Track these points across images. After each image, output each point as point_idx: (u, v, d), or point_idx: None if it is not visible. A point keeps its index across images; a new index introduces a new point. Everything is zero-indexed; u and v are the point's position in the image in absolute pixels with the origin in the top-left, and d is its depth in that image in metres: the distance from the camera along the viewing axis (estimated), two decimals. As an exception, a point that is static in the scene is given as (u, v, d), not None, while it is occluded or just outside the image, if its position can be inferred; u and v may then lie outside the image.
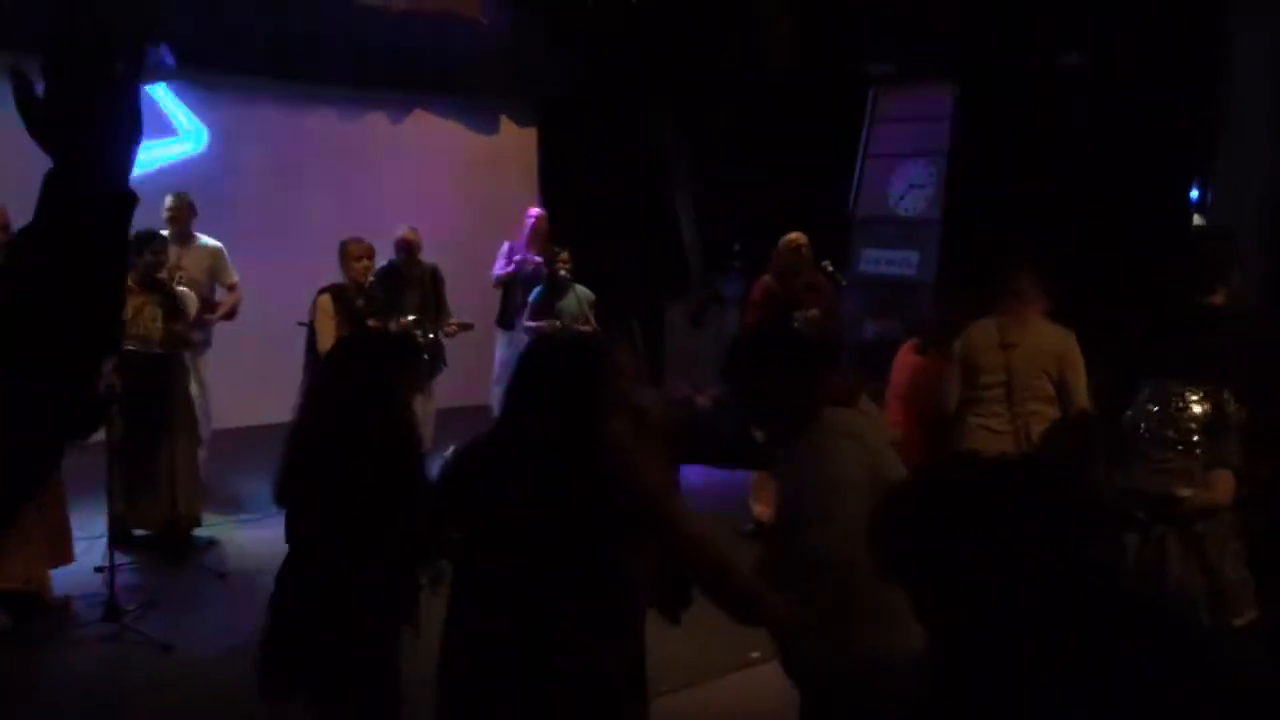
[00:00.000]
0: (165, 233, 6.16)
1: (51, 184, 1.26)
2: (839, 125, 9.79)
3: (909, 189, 9.78)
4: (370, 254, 6.15)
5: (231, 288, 6.63)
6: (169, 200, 6.40)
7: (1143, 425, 3.51)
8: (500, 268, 7.83)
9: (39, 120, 1.25)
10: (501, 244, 8.02)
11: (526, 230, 7.94)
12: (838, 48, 9.19)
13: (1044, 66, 7.28)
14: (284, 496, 3.15)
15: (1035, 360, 4.39)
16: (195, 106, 8.33)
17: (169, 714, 4.05)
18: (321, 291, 6.02)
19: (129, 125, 1.29)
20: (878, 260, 9.99)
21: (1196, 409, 3.43)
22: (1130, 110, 6.77)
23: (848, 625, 2.50)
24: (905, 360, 5.21)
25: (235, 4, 7.98)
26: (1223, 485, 3.40)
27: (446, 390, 7.20)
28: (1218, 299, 4.07)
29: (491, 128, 10.02)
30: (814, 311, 5.98)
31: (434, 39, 8.98)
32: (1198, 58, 6.33)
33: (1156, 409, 3.48)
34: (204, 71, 8.11)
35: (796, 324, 5.94)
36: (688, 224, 10.56)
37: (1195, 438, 3.41)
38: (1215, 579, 3.41)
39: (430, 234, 8.46)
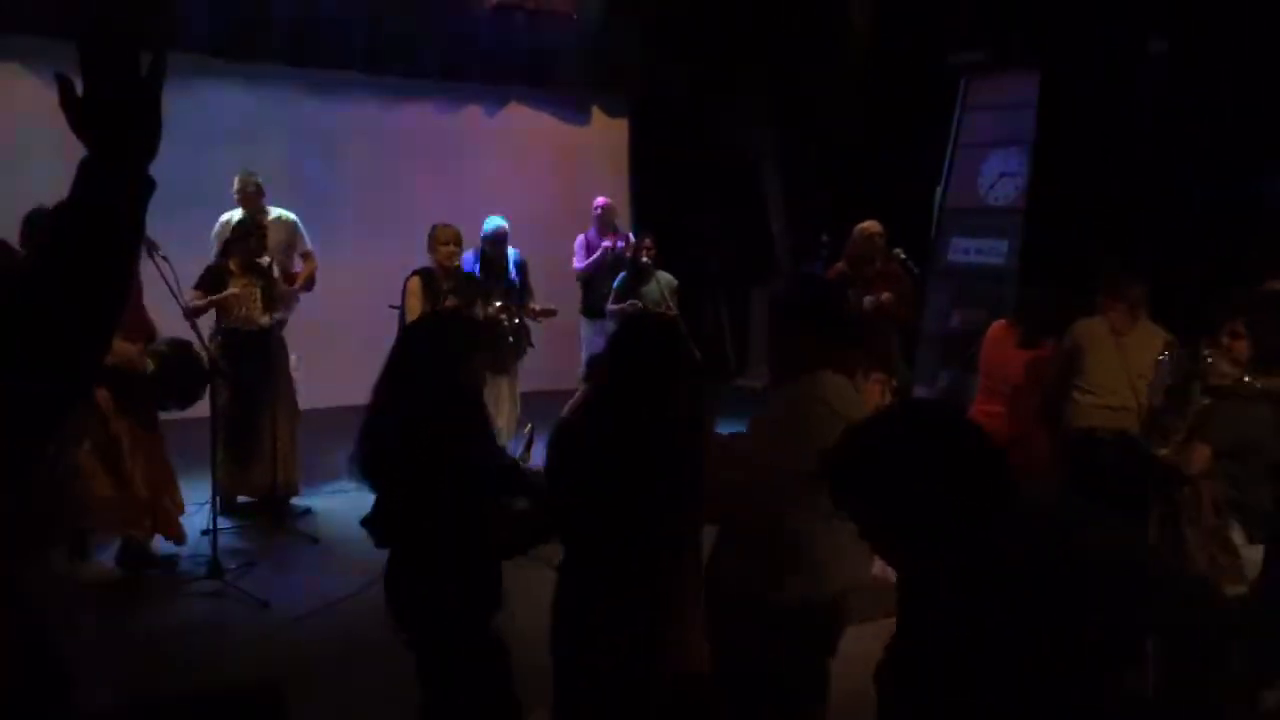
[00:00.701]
0: (239, 213, 6.54)
1: (85, 169, 1.50)
2: (930, 115, 9.81)
3: (1000, 178, 9.72)
4: (457, 240, 6.40)
5: (306, 256, 6.88)
6: (236, 181, 6.68)
7: (1160, 394, 3.61)
8: (580, 260, 8.04)
9: (80, 117, 1.49)
10: (576, 238, 8.24)
11: (595, 220, 8.14)
12: (926, 36, 9.19)
13: (1127, 54, 7.20)
14: (366, 472, 3.16)
15: (1147, 349, 4.47)
16: (299, 103, 8.77)
17: (265, 664, 4.35)
18: (412, 274, 6.29)
19: (152, 119, 1.53)
20: (967, 250, 9.96)
21: (1198, 378, 3.49)
22: (1214, 98, 6.67)
23: (779, 572, 2.68)
24: (1012, 354, 5.23)
25: (335, 2, 8.36)
26: (1191, 456, 3.45)
27: (532, 374, 7.46)
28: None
29: (584, 119, 10.28)
30: (886, 295, 6.08)
31: (527, 33, 9.27)
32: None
33: (1179, 369, 3.56)
34: (306, 69, 8.54)
35: (868, 307, 6.07)
36: (777, 214, 10.66)
37: (1190, 400, 3.47)
38: (1180, 547, 3.48)
39: (524, 222, 8.77)
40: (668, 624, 2.65)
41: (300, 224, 6.92)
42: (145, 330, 5.25)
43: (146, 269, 5.22)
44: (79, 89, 1.48)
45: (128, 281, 1.66)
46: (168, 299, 5.08)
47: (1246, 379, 3.42)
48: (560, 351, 8.04)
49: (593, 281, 7.93)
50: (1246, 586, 3.54)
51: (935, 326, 9.53)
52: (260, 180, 6.72)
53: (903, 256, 6.25)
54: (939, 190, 10.12)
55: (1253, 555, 3.53)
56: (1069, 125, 7.81)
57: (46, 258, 1.56)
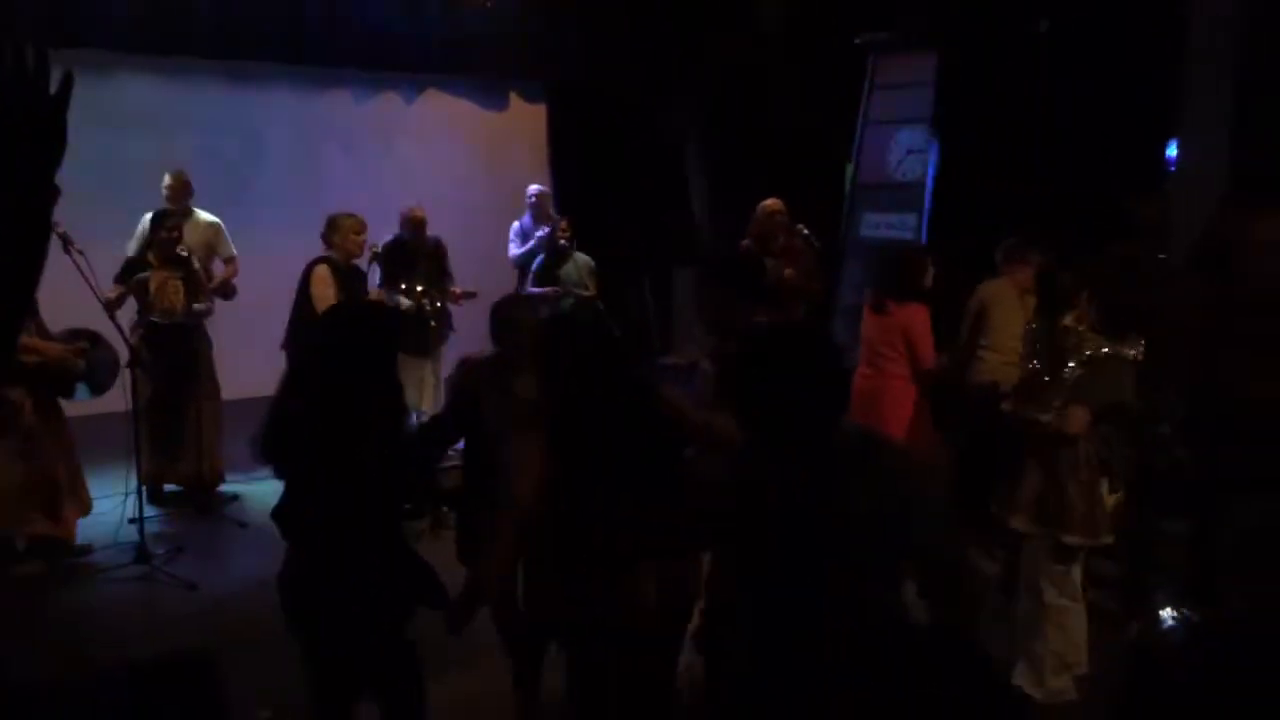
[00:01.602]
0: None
1: None
2: (839, 93, 10.09)
3: (907, 154, 10.06)
4: (365, 228, 6.50)
5: (229, 261, 6.96)
6: (166, 178, 6.74)
7: (1034, 360, 3.92)
8: (516, 247, 8.18)
9: None
10: (511, 224, 8.38)
11: (530, 207, 8.31)
12: (835, 17, 9.46)
13: (1017, 32, 7.53)
14: (270, 457, 3.20)
15: None
16: (217, 92, 8.81)
17: (193, 640, 4.50)
18: (319, 262, 6.31)
19: (59, 132, 1.70)
20: (877, 224, 10.29)
21: (1071, 343, 3.80)
22: (1099, 74, 7.02)
23: None
24: (869, 319, 5.52)
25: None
26: (1072, 419, 3.76)
27: (455, 356, 7.62)
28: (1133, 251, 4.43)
29: (502, 104, 10.42)
30: (789, 271, 6.34)
31: (444, 20, 9.35)
32: (1161, 19, 6.56)
33: (1039, 346, 3.87)
34: (224, 59, 8.58)
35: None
36: (699, 194, 10.89)
37: (1063, 370, 3.77)
38: (1057, 495, 3.79)
39: (445, 208, 8.91)
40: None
41: (223, 228, 6.98)
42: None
43: (63, 262, 5.33)
44: None
45: (33, 283, 1.83)
46: (85, 292, 5.17)
47: (1106, 350, 3.71)
48: (483, 333, 8.19)
49: (528, 268, 8.08)
50: (1110, 536, 3.86)
51: (850, 299, 9.85)
52: (181, 178, 6.78)
53: (805, 232, 6.52)
54: (850, 167, 10.44)
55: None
56: (964, 103, 8.13)
57: None
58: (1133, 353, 3.73)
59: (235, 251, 7.05)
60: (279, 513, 3.19)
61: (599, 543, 2.81)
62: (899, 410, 5.25)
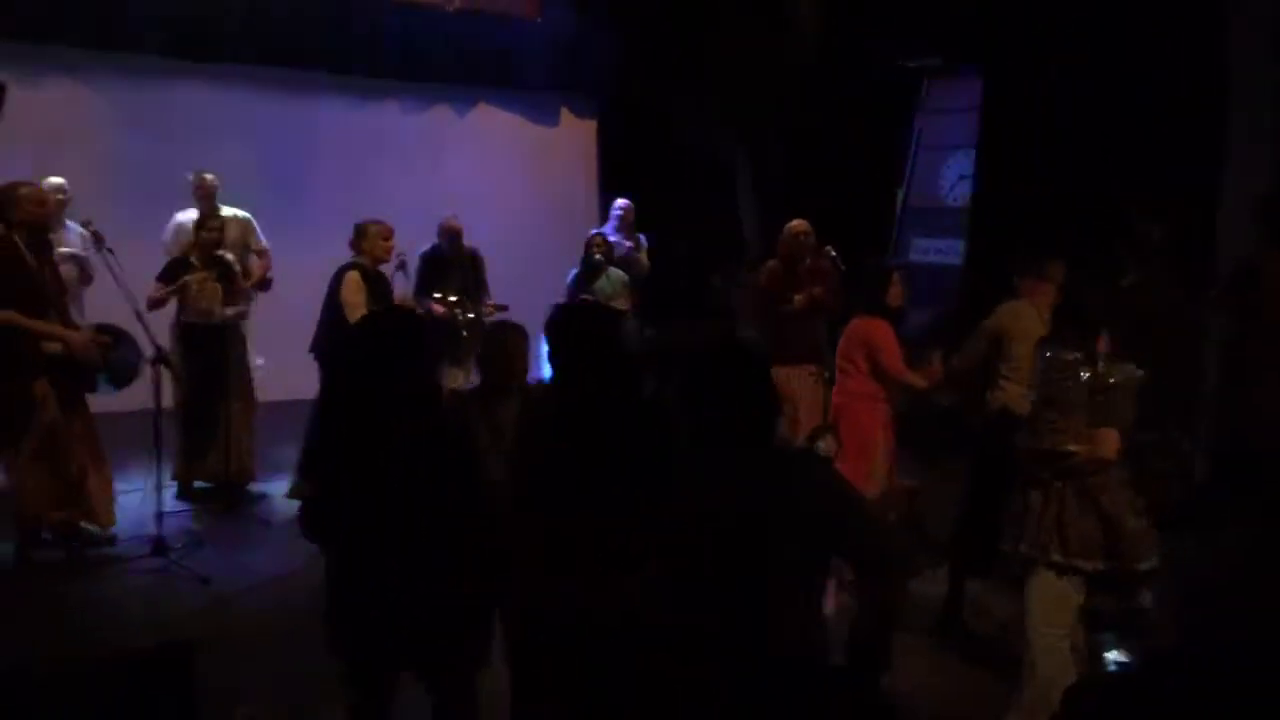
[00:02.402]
0: (194, 212, 6.80)
1: None
2: (893, 117, 10.04)
3: (959, 179, 9.97)
4: (393, 234, 6.56)
5: (261, 254, 7.12)
6: (193, 178, 6.94)
7: (1040, 391, 3.82)
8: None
9: None
10: (564, 234, 8.44)
11: (616, 219, 8.37)
12: (885, 40, 9.40)
13: (1062, 58, 7.41)
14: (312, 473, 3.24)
15: None
16: (266, 102, 9.04)
17: (198, 633, 4.58)
18: (349, 268, 6.36)
19: None
20: (926, 249, 10.21)
21: (1084, 375, 3.70)
22: (1143, 101, 6.88)
23: None
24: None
25: (301, 5, 8.62)
26: (1105, 441, 3.64)
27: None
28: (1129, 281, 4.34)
29: (552, 120, 10.53)
30: (817, 290, 6.31)
31: (495, 35, 9.52)
32: (1204, 44, 6.42)
33: (1048, 375, 3.78)
34: (275, 69, 8.81)
35: (798, 304, 6.32)
36: (748, 211, 10.87)
37: (1075, 398, 3.68)
38: (1112, 527, 3.67)
39: (493, 221, 9.04)
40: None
41: (254, 222, 7.16)
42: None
43: (95, 260, 5.53)
44: None
45: None
46: (116, 290, 5.34)
47: (1112, 379, 3.63)
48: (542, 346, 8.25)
49: None
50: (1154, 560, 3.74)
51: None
52: (214, 179, 6.94)
53: (832, 254, 6.47)
54: (900, 191, 10.37)
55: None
56: (1009, 127, 8.02)
57: None
58: (1140, 374, 3.64)
59: (266, 244, 7.21)
60: (312, 520, 3.09)
61: (615, 542, 2.81)
62: (859, 429, 5.19)
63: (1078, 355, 3.78)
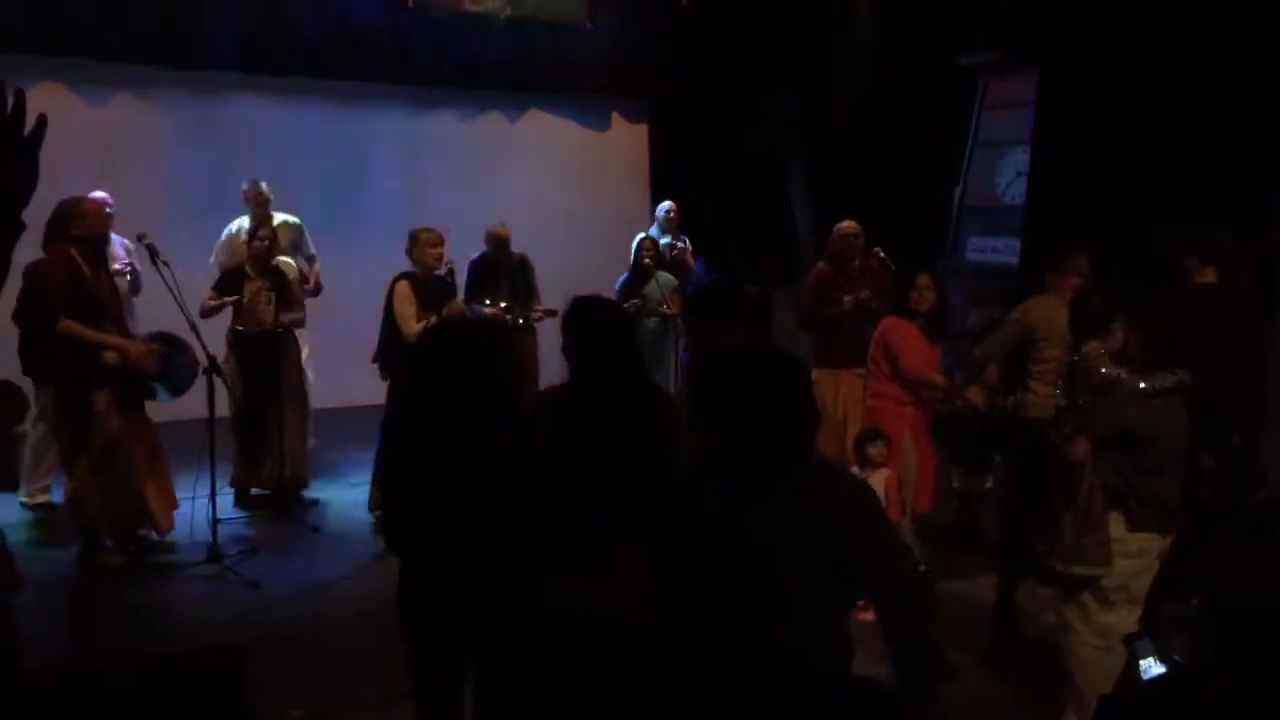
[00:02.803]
0: (247, 220, 6.92)
1: None
2: (950, 114, 9.88)
3: (1017, 177, 9.78)
4: (443, 241, 6.62)
5: (311, 259, 7.23)
6: (247, 187, 7.07)
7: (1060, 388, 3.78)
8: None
9: None
10: (615, 238, 8.45)
11: (661, 223, 8.40)
12: (942, 36, 9.28)
13: (1117, 52, 7.24)
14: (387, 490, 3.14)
15: None
16: (325, 113, 9.18)
17: (248, 637, 4.66)
18: (400, 278, 6.42)
19: (28, 173, 1.81)
20: (983, 248, 10.03)
21: (1089, 372, 3.63)
22: (1204, 95, 6.69)
23: None
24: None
25: (357, 15, 8.75)
26: (1073, 446, 3.59)
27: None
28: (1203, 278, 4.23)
29: (604, 125, 10.56)
30: (865, 292, 6.23)
31: (545, 42, 9.57)
32: (1264, 38, 6.22)
33: (1067, 372, 3.72)
34: (331, 80, 8.95)
35: (847, 305, 6.24)
36: (801, 212, 10.79)
37: (1083, 397, 3.61)
38: (1057, 522, 3.62)
39: (546, 226, 9.09)
40: None
41: (304, 227, 7.27)
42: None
43: (151, 272, 5.65)
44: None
45: None
46: (169, 301, 5.46)
47: (1123, 375, 3.53)
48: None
49: None
50: (1107, 568, 3.64)
51: (953, 325, 9.60)
52: (267, 187, 7.08)
53: (881, 254, 6.40)
54: (957, 190, 10.20)
55: (1138, 544, 3.64)
56: (1066, 124, 7.86)
57: None
58: (1144, 384, 3.53)
59: (315, 251, 7.33)
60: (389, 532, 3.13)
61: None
62: (889, 432, 5.15)
63: (1088, 349, 3.72)
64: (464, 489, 2.89)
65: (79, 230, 5.39)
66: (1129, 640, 2.49)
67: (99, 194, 6.57)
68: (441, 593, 2.99)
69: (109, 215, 6.29)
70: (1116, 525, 3.57)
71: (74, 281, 5.33)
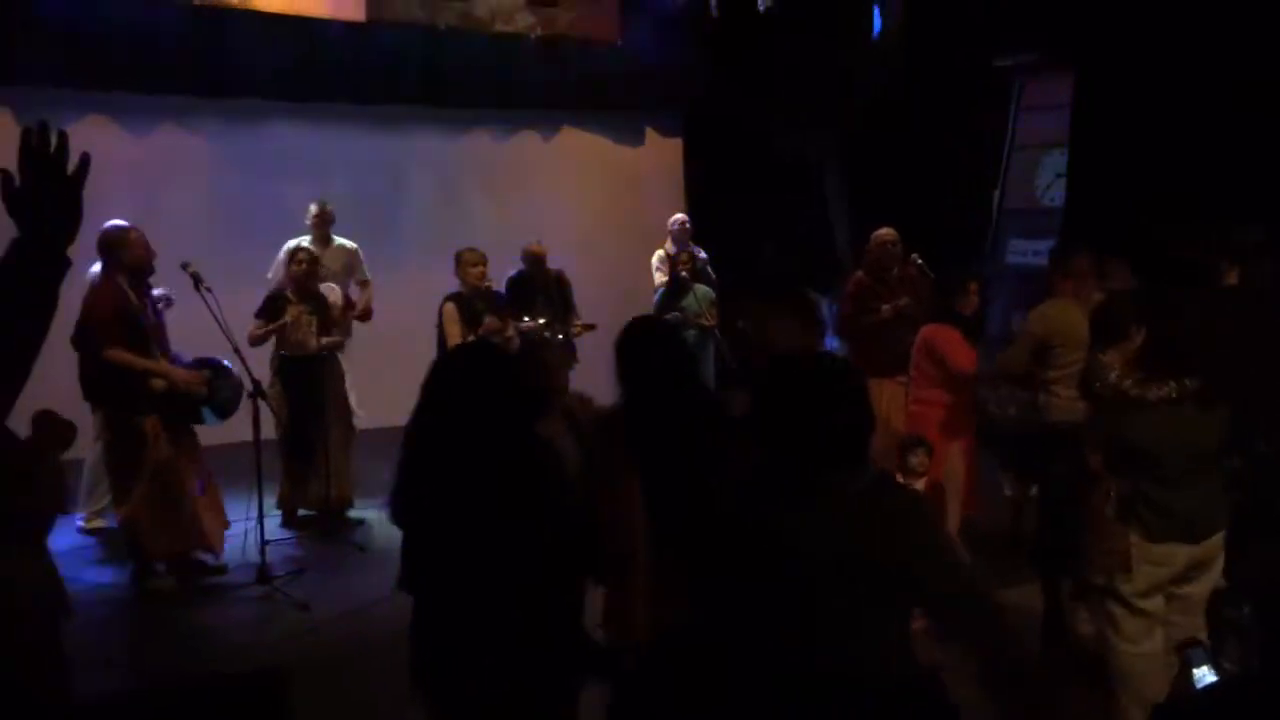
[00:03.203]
0: (308, 239, 7.03)
1: (15, 246, 1.87)
2: (985, 117, 9.82)
3: (1055, 179, 9.69)
4: (484, 261, 6.72)
5: (363, 284, 7.31)
6: (313, 207, 7.19)
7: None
8: (662, 276, 8.23)
9: (14, 205, 1.85)
10: (652, 254, 8.46)
11: (672, 236, 8.40)
12: (976, 38, 9.22)
13: (1154, 51, 7.16)
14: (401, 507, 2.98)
15: None
16: (362, 137, 9.30)
17: (297, 657, 4.72)
18: (446, 299, 6.58)
19: (74, 211, 1.87)
20: (1025, 251, 9.94)
21: (1103, 382, 3.58)
22: (1240, 94, 6.60)
23: None
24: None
25: (392, 41, 8.87)
26: (1092, 458, 3.54)
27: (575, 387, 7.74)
28: (1228, 280, 4.16)
29: (638, 140, 10.59)
30: (904, 300, 6.20)
31: (577, 60, 9.63)
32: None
33: (1090, 376, 3.67)
34: (371, 106, 9.07)
35: (886, 314, 6.21)
36: (839, 219, 10.75)
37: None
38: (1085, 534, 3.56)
39: (582, 243, 9.15)
40: None
41: (360, 252, 7.35)
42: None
43: (195, 298, 5.74)
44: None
45: (40, 336, 2.01)
46: (214, 325, 5.54)
47: (1124, 387, 3.46)
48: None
49: None
50: (1125, 576, 3.57)
51: (995, 330, 9.51)
52: (333, 209, 7.22)
53: (919, 261, 6.36)
54: (996, 193, 10.12)
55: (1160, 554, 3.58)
56: (1104, 125, 7.77)
57: None
58: (1137, 394, 3.46)
59: (370, 275, 7.41)
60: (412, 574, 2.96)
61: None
62: (936, 439, 5.10)
63: (1105, 358, 3.68)
64: (471, 512, 2.75)
65: (126, 259, 5.50)
66: (1181, 648, 2.44)
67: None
68: (460, 631, 2.84)
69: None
70: (1137, 535, 3.51)
71: (122, 310, 5.43)
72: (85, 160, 1.91)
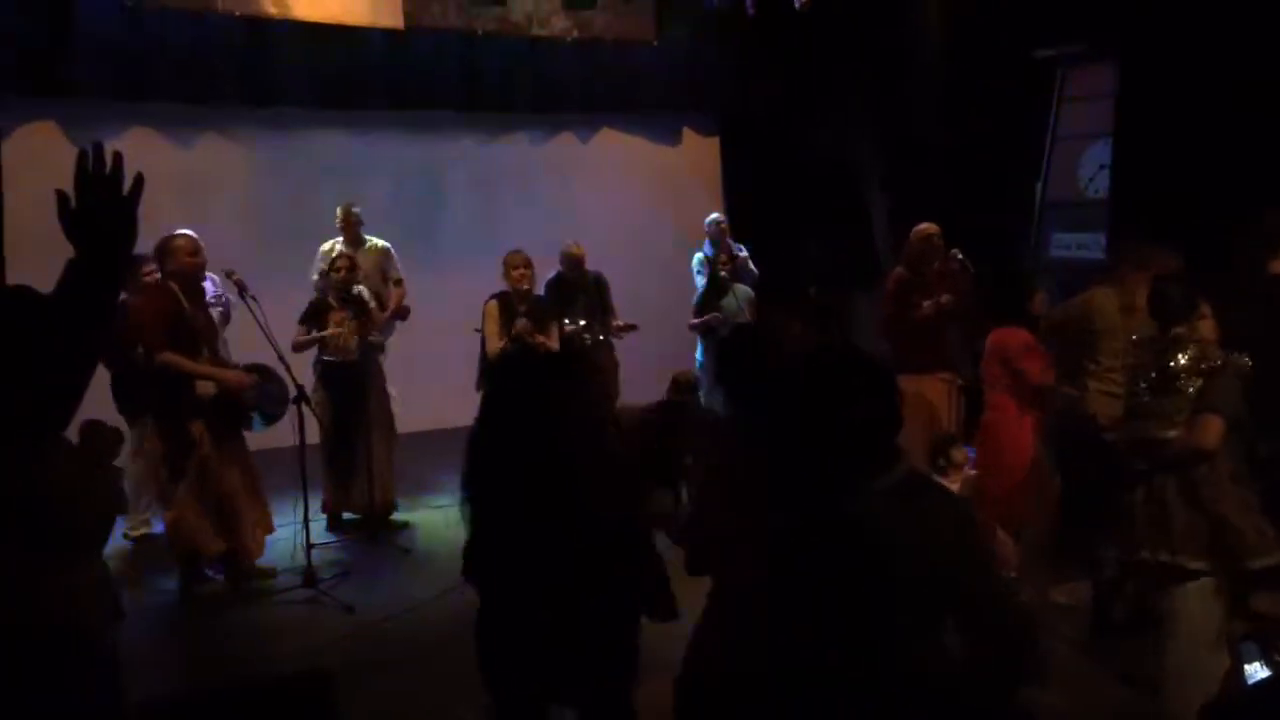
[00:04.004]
0: (339, 241, 7.11)
1: (72, 271, 1.93)
2: (1025, 109, 9.70)
3: (1099, 170, 9.54)
4: (527, 264, 6.73)
5: (397, 283, 7.33)
6: (339, 211, 7.25)
7: (1140, 376, 3.61)
8: (702, 279, 8.21)
9: (73, 226, 1.89)
10: (694, 256, 8.45)
11: (711, 235, 8.37)
12: (1014, 29, 9.12)
13: (1198, 38, 7.03)
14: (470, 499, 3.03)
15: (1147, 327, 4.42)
16: (400, 142, 9.37)
17: (341, 658, 4.75)
18: (490, 298, 6.63)
19: (128, 231, 1.92)
20: (1069, 244, 9.80)
21: (1182, 356, 3.48)
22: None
23: None
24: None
25: (430, 47, 8.93)
26: (1205, 430, 3.40)
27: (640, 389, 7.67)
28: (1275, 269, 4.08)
29: (675, 140, 10.59)
30: (945, 297, 6.14)
31: (613, 61, 9.65)
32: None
33: (1151, 357, 3.58)
34: (411, 112, 9.14)
35: (927, 310, 6.14)
36: (879, 218, 10.67)
37: (1179, 381, 3.46)
38: (1216, 523, 3.42)
39: (621, 244, 9.15)
40: None
41: (393, 251, 7.41)
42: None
43: (240, 306, 5.81)
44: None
45: (97, 351, 2.07)
46: (258, 331, 5.61)
47: (1217, 361, 3.40)
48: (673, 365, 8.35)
49: None
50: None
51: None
52: (359, 211, 7.25)
53: (960, 256, 6.30)
54: (1038, 185, 9.99)
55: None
56: (1148, 115, 7.64)
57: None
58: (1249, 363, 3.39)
59: (403, 274, 7.44)
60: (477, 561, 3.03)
61: None
62: (1006, 445, 5.00)
63: (1180, 331, 3.58)
64: (531, 510, 2.82)
65: (174, 265, 5.57)
66: (1234, 643, 2.38)
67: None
68: (521, 624, 2.92)
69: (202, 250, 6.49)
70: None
71: (173, 314, 5.50)
72: (139, 180, 1.96)
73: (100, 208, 1.92)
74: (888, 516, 2.14)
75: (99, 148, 1.93)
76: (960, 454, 4.98)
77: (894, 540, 2.12)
